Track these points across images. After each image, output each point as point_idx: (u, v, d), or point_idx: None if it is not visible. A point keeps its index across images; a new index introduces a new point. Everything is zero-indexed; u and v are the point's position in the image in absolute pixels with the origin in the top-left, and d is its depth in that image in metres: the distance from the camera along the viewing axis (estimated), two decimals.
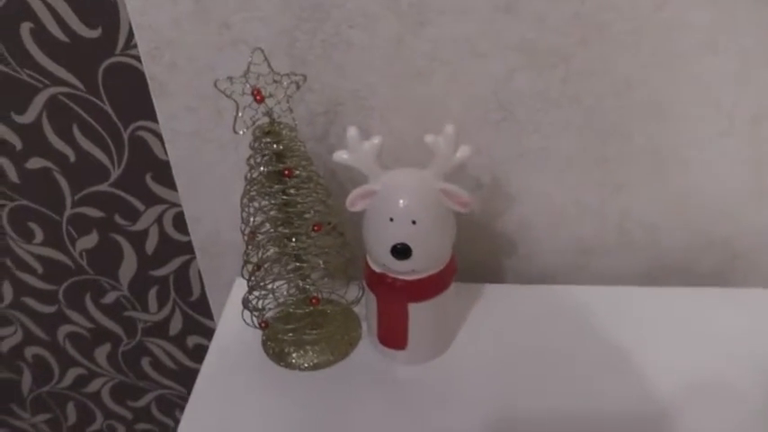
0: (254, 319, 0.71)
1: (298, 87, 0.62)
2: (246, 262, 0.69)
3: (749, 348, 0.71)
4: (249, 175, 0.65)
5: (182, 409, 1.14)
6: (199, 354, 1.06)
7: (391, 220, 0.62)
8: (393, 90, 0.72)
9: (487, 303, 0.78)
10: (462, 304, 0.77)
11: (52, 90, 0.80)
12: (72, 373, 1.14)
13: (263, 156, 0.63)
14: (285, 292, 0.70)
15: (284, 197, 0.64)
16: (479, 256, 0.83)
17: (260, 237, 0.67)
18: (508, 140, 0.74)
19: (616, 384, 0.68)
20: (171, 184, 0.85)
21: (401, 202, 0.61)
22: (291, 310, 0.70)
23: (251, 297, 0.70)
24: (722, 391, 0.67)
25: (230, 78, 0.60)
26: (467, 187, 0.75)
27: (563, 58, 0.69)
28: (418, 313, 0.67)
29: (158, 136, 0.81)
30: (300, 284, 0.69)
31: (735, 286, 0.79)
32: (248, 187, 0.65)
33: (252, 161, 0.64)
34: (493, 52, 0.69)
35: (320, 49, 0.70)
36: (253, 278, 0.69)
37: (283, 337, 0.72)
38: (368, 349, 0.73)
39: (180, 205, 0.86)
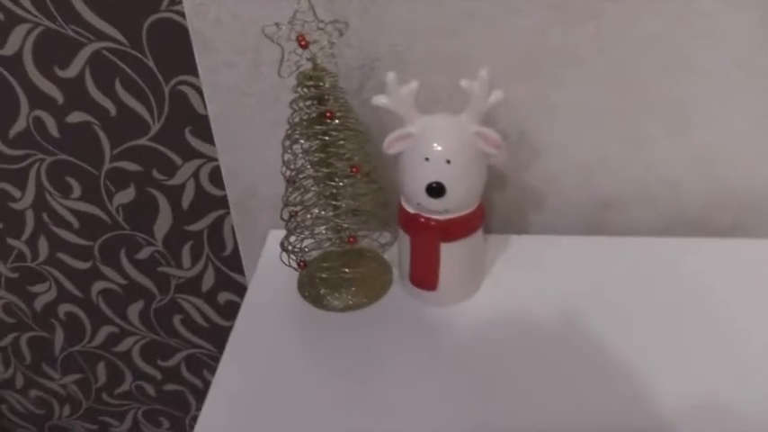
0: (292, 261, 0.74)
1: (341, 34, 0.65)
2: (286, 204, 0.72)
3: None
4: (292, 118, 0.68)
5: (210, 369, 1.18)
6: (229, 311, 1.10)
7: (427, 159, 0.65)
8: (429, 45, 0.75)
9: (513, 253, 0.81)
10: (489, 254, 0.80)
11: (96, 45, 0.83)
12: (104, 332, 1.18)
13: (306, 99, 0.66)
14: (323, 234, 0.73)
15: (326, 138, 0.67)
16: (506, 209, 0.86)
17: (300, 178, 0.70)
18: (536, 95, 0.77)
19: (633, 335, 0.71)
20: (209, 139, 0.88)
21: (437, 142, 0.65)
22: (329, 248, 0.73)
23: (291, 239, 0.73)
24: (737, 343, 0.70)
25: (277, 24, 0.63)
26: None
27: (594, 15, 0.72)
28: (450, 253, 0.70)
29: (198, 90, 0.85)
30: (337, 226, 0.72)
31: (754, 236, 0.82)
32: (290, 131, 0.68)
33: (295, 105, 0.67)
34: (527, 9, 0.72)
35: (358, 4, 0.73)
36: (291, 221, 0.72)
37: (320, 276, 0.75)
38: (400, 293, 0.76)
39: (217, 160, 0.90)
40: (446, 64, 0.76)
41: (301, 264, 0.73)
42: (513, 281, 0.77)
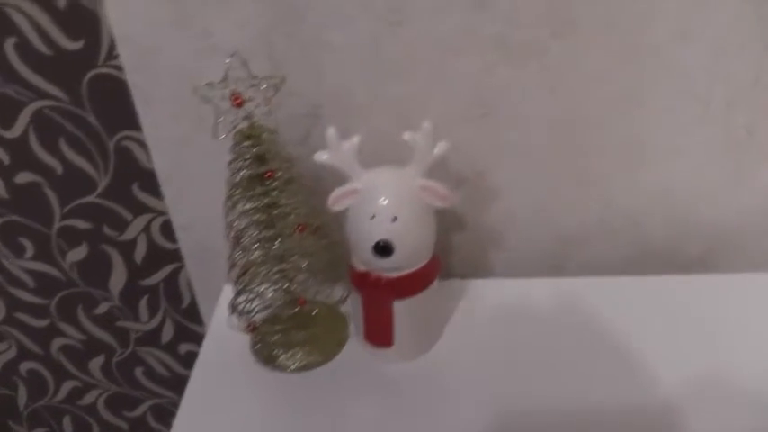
0: (241, 323, 0.71)
1: (276, 90, 0.62)
2: (232, 266, 0.69)
3: (738, 335, 0.71)
4: (231, 179, 0.65)
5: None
6: (191, 361, 1.06)
7: (372, 217, 0.62)
8: (372, 90, 0.73)
9: (474, 299, 0.79)
10: (450, 300, 0.78)
11: (38, 104, 0.81)
12: (67, 386, 1.15)
13: (245, 159, 0.64)
14: (271, 295, 0.70)
15: (267, 199, 0.65)
16: (466, 250, 0.84)
17: (245, 240, 0.68)
18: (489, 135, 0.76)
19: (605, 377, 0.69)
20: (157, 193, 0.86)
21: (381, 199, 0.62)
22: (278, 312, 0.71)
23: (238, 301, 0.70)
24: (712, 379, 0.68)
25: (209, 84, 0.61)
26: (450, 183, 0.77)
27: (537, 52, 0.70)
28: (403, 310, 0.68)
29: (143, 145, 0.82)
30: (286, 286, 0.69)
31: (720, 271, 0.80)
32: (231, 191, 0.66)
33: (233, 165, 0.65)
34: (469, 49, 0.70)
35: (298, 51, 0.71)
36: (239, 282, 0.69)
37: (271, 339, 0.72)
38: (356, 349, 0.74)
39: (167, 213, 0.87)
40: (392, 108, 0.74)
41: (249, 327, 0.71)
42: (473, 329, 0.75)
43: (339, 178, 0.65)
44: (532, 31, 0.68)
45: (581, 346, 0.72)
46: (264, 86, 0.62)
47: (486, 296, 0.79)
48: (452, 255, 0.81)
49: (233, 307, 0.71)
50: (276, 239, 0.67)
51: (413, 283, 0.67)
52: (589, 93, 0.72)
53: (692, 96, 0.73)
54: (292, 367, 0.72)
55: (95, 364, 1.10)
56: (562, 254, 0.85)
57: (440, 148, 0.63)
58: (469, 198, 0.80)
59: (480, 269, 0.86)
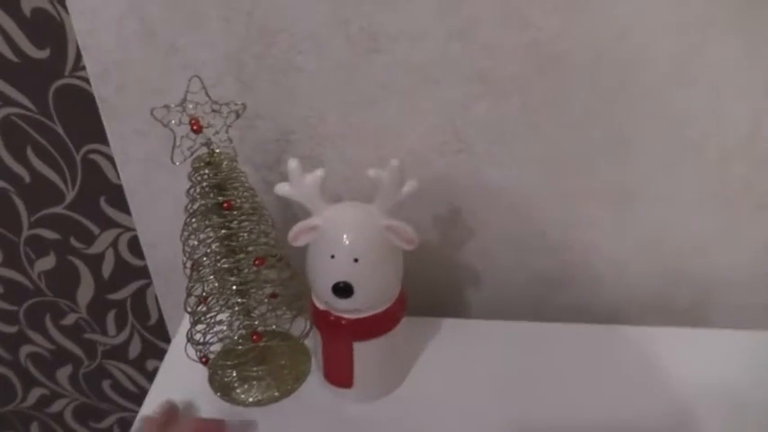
0: (197, 353, 0.68)
1: (237, 116, 0.59)
2: (189, 295, 0.66)
3: (720, 391, 0.68)
4: (190, 206, 0.62)
5: None
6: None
7: (333, 257, 0.59)
8: (345, 118, 0.70)
9: (444, 338, 0.75)
10: (417, 338, 0.74)
11: (5, 110, 0.78)
12: (35, 393, 1.12)
13: (203, 187, 0.61)
14: (228, 327, 0.67)
15: (225, 230, 0.62)
16: (440, 289, 0.81)
17: (202, 270, 0.65)
18: (467, 171, 0.72)
19: (578, 428, 0.65)
20: (125, 208, 0.83)
21: (343, 238, 0.59)
22: (234, 345, 0.67)
23: (194, 331, 0.67)
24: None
25: (167, 106, 0.58)
26: (424, 218, 0.73)
27: (520, 88, 0.66)
28: (364, 352, 0.64)
29: (111, 159, 0.79)
30: (243, 319, 0.66)
31: (708, 324, 0.76)
32: (188, 219, 0.63)
33: (192, 192, 0.62)
34: (447, 80, 0.66)
35: (269, 74, 0.68)
36: (196, 312, 0.66)
37: (226, 372, 0.69)
38: (317, 385, 0.70)
39: (135, 229, 0.84)
40: (365, 137, 0.71)
41: (204, 359, 0.67)
42: (441, 370, 0.71)
43: (305, 209, 0.61)
44: (515, 66, 0.65)
45: (555, 395, 0.68)
46: (225, 112, 0.59)
47: (457, 336, 0.75)
48: (423, 291, 0.78)
49: (189, 337, 0.68)
50: (234, 271, 0.64)
51: (374, 326, 0.63)
52: (575, 133, 0.68)
53: (685, 143, 0.68)
54: (248, 401, 0.69)
55: (63, 373, 1.08)
56: (542, 297, 0.81)
57: (408, 186, 0.59)
58: (444, 234, 0.77)
59: (454, 308, 0.82)
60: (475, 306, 0.82)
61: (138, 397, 1.09)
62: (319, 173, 0.59)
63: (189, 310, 0.67)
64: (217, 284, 0.65)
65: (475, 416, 0.66)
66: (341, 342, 0.64)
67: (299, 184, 0.60)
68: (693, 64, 0.64)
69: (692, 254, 0.76)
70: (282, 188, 0.60)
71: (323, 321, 0.64)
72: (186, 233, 0.63)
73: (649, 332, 0.74)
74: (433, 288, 0.80)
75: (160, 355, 1.01)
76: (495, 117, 0.68)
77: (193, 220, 0.63)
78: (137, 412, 1.09)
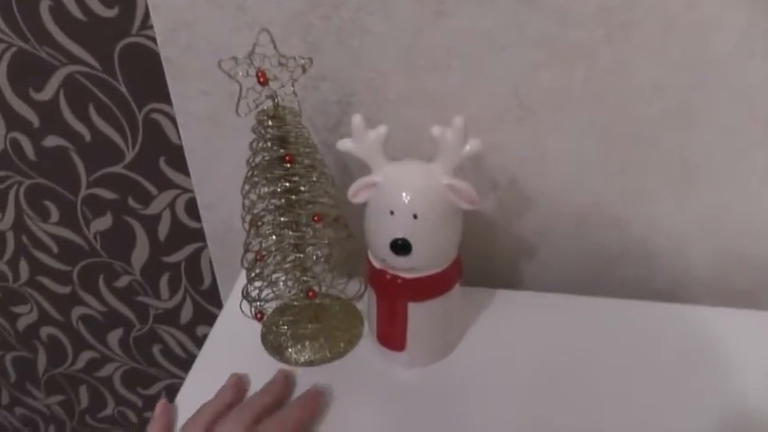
0: (252, 309, 0.68)
1: (304, 71, 0.59)
2: (246, 251, 0.67)
3: None
4: (252, 160, 0.63)
5: None
6: None
7: (392, 213, 0.59)
8: (408, 81, 0.69)
9: (498, 309, 0.75)
10: (472, 309, 0.74)
11: (69, 68, 0.80)
12: (85, 356, 1.14)
13: (266, 140, 0.61)
14: (284, 284, 0.67)
15: (286, 184, 0.62)
16: (494, 261, 0.80)
17: (261, 225, 0.65)
18: (528, 140, 0.71)
19: (632, 403, 0.64)
20: (184, 169, 0.84)
21: (402, 194, 0.58)
22: (290, 303, 0.68)
23: (250, 287, 0.68)
24: (745, 420, 0.63)
25: (234, 58, 0.58)
26: (482, 187, 0.73)
27: (587, 56, 0.65)
28: (418, 314, 0.64)
29: (172, 119, 0.80)
30: (299, 276, 0.66)
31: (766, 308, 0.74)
32: (250, 173, 0.63)
33: (254, 145, 0.62)
34: (513, 46, 0.66)
35: (335, 35, 0.68)
36: (252, 268, 0.67)
37: (280, 330, 0.69)
38: (368, 348, 0.70)
39: (192, 191, 0.85)
40: (427, 102, 0.70)
41: (258, 315, 0.68)
42: (493, 341, 0.71)
43: (365, 167, 0.61)
44: (583, 33, 0.64)
45: (610, 370, 0.67)
46: (292, 66, 0.59)
47: (511, 308, 0.74)
48: (479, 262, 0.77)
49: (244, 293, 0.68)
50: (292, 227, 0.64)
51: (431, 286, 0.63)
52: (640, 103, 0.67)
53: (751, 118, 0.67)
54: (299, 361, 0.69)
55: (114, 336, 1.09)
56: (598, 272, 0.80)
57: (471, 145, 0.58)
58: (502, 204, 0.76)
59: (508, 280, 0.82)
60: (529, 278, 0.81)
61: (188, 363, 1.09)
62: (382, 129, 0.59)
63: (246, 265, 0.67)
64: (274, 240, 0.65)
65: (525, 390, 0.66)
66: (396, 302, 0.64)
67: (361, 139, 0.60)
68: (761, 36, 0.62)
69: (754, 235, 0.74)
70: (345, 144, 0.60)
71: (379, 280, 0.64)
72: (247, 186, 0.64)
73: (707, 312, 0.73)
74: (488, 258, 0.80)
75: (211, 321, 1.01)
76: (560, 85, 0.67)
77: (255, 173, 0.63)
78: (185, 379, 1.12)
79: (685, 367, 0.67)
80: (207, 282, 0.96)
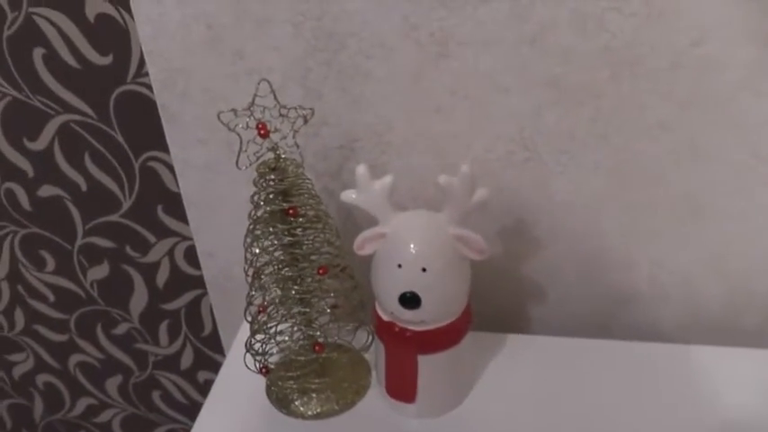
0: (257, 364, 0.66)
1: (305, 122, 0.58)
2: (249, 304, 0.65)
3: None
4: (254, 213, 0.61)
5: None
6: (209, 389, 1.03)
7: (400, 266, 0.57)
8: (411, 125, 0.68)
9: (508, 355, 0.73)
10: (481, 355, 0.72)
11: (64, 117, 0.78)
12: (83, 403, 1.12)
13: (268, 193, 0.60)
14: (289, 337, 0.65)
15: (289, 238, 0.60)
16: (503, 303, 0.79)
17: (264, 278, 0.63)
18: (534, 182, 0.70)
19: None
20: (183, 217, 0.82)
21: (411, 247, 0.57)
22: (295, 357, 0.66)
23: (254, 341, 0.66)
24: None
25: (234, 110, 0.57)
26: (489, 230, 0.71)
27: (592, 96, 0.64)
28: (428, 366, 0.62)
29: (170, 167, 0.79)
30: (305, 329, 0.65)
31: None
32: (252, 226, 0.62)
33: (256, 198, 0.60)
34: (517, 88, 0.65)
35: (335, 80, 0.67)
36: (256, 321, 0.65)
37: (286, 384, 0.67)
38: (377, 399, 0.69)
39: (192, 239, 0.83)
40: (431, 145, 0.69)
41: (264, 369, 0.66)
42: (505, 387, 0.69)
43: (370, 217, 0.60)
44: (588, 73, 0.63)
45: (623, 414, 0.65)
46: (293, 117, 0.58)
47: (521, 353, 0.73)
48: (487, 305, 0.76)
49: (248, 346, 0.66)
50: (296, 280, 0.62)
51: (440, 339, 0.61)
52: (646, 142, 0.66)
53: (757, 156, 0.66)
54: (307, 414, 0.67)
55: (112, 383, 1.07)
56: (608, 313, 0.78)
57: (479, 195, 0.57)
58: (510, 247, 0.74)
59: (517, 324, 0.80)
60: (539, 322, 0.80)
61: (189, 409, 1.08)
62: (388, 179, 0.58)
63: (249, 318, 0.65)
64: (279, 293, 0.64)
65: None
66: (405, 355, 0.62)
67: (366, 190, 0.58)
68: (767, 74, 0.61)
69: (761, 274, 0.73)
70: (349, 195, 0.59)
71: (387, 333, 0.62)
72: (249, 240, 0.62)
73: (718, 352, 0.71)
74: (497, 303, 0.78)
75: (213, 366, 1.00)
76: (566, 126, 0.66)
77: (257, 226, 0.61)
78: (186, 424, 1.10)
79: (699, 409, 0.66)
80: (208, 328, 0.95)
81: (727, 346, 0.72)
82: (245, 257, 0.63)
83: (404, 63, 0.65)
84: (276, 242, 0.61)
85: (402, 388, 0.65)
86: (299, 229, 0.61)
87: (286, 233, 0.60)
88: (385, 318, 0.62)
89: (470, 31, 0.62)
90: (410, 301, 0.57)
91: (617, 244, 0.73)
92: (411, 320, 0.59)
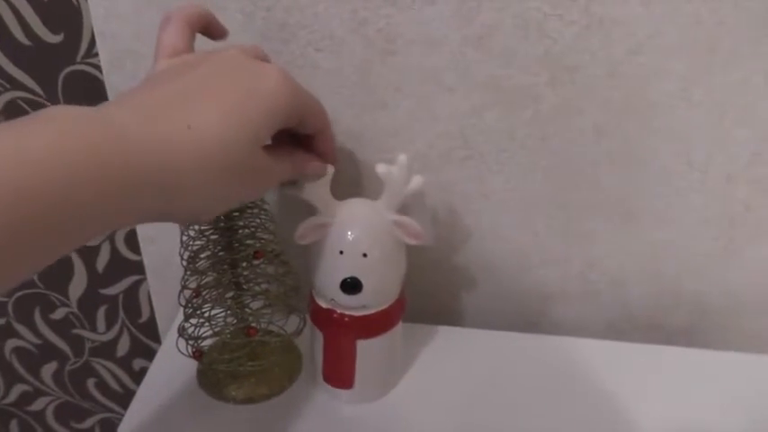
0: (189, 348, 0.67)
1: None
2: (184, 287, 0.65)
3: (713, 414, 0.67)
4: None
5: None
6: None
7: (341, 252, 0.59)
8: (356, 118, 0.70)
9: (438, 346, 0.75)
10: (413, 345, 0.74)
11: (11, 94, 0.78)
12: (17, 390, 1.10)
13: None
14: (222, 321, 0.66)
15: (225, 221, 0.61)
16: (436, 296, 0.81)
17: (199, 261, 0.64)
18: (472, 178, 0.72)
19: None
20: None
21: (352, 234, 0.59)
22: (228, 341, 0.66)
23: (187, 325, 0.66)
24: None
25: None
26: (425, 219, 0.73)
27: (532, 99, 0.66)
28: (367, 350, 0.64)
29: None
30: (238, 313, 0.65)
31: (704, 346, 0.76)
32: None
33: None
34: (460, 87, 0.67)
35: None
36: (190, 305, 0.65)
37: (218, 368, 0.68)
38: (308, 384, 0.70)
39: None
40: (374, 139, 0.71)
41: (196, 353, 0.66)
42: (435, 376, 0.71)
43: (305, 204, 0.61)
44: (528, 76, 0.65)
45: (550, 407, 0.68)
46: None
47: (452, 345, 0.75)
48: (420, 298, 0.77)
49: (181, 330, 0.67)
50: (232, 263, 0.63)
51: (379, 323, 0.63)
52: (582, 146, 0.69)
53: (689, 163, 0.69)
54: (238, 398, 0.68)
55: (48, 370, 1.06)
56: (539, 310, 0.80)
57: (414, 182, 0.59)
58: (445, 240, 0.76)
59: (449, 317, 0.82)
60: (470, 315, 0.82)
61: (123, 397, 1.07)
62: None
63: (183, 302, 0.66)
64: (213, 277, 0.64)
65: (465, 425, 0.66)
66: (345, 341, 0.64)
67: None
68: (701, 85, 0.64)
69: (690, 274, 0.76)
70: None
71: (326, 320, 0.63)
72: None
73: (646, 349, 0.74)
74: (429, 295, 0.80)
75: (148, 354, 0.99)
76: (505, 126, 0.68)
77: None
78: (120, 414, 1.09)
79: (627, 404, 0.68)
80: (145, 315, 0.94)
81: (654, 344, 0.75)
82: (181, 240, 0.64)
83: (351, 57, 0.66)
84: (211, 226, 0.62)
85: (340, 374, 0.66)
86: (235, 213, 0.62)
87: (222, 217, 0.61)
88: (324, 305, 0.63)
89: (416, 30, 0.64)
90: (352, 286, 0.59)
91: (550, 243, 0.75)
92: (351, 306, 0.61)
